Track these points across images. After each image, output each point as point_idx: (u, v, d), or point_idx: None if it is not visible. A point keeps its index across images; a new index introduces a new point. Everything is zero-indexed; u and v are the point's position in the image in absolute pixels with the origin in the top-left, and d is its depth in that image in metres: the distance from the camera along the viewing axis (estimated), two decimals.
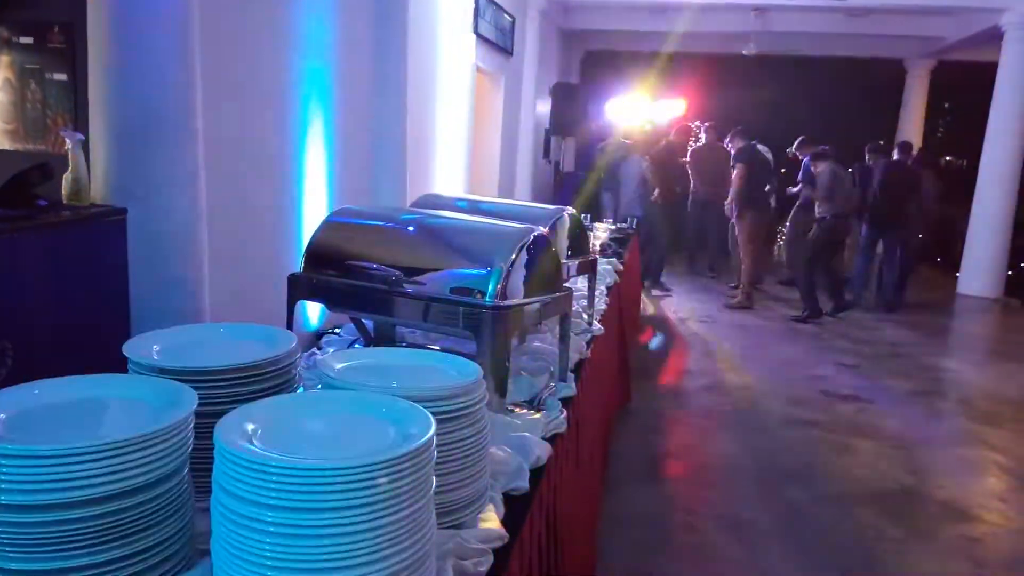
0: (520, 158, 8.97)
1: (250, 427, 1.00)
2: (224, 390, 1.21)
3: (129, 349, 1.27)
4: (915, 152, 8.53)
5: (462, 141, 6.38)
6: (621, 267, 4.28)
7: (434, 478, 1.02)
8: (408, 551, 0.94)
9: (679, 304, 7.51)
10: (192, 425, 1.05)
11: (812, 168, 7.22)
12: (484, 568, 1.13)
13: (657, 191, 7.75)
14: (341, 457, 0.92)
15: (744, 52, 10.72)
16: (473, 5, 6.40)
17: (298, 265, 1.93)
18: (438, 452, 1.11)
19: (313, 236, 1.98)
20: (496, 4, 7.20)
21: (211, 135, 2.65)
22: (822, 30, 10.65)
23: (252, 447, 0.94)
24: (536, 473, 1.51)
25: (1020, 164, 8.76)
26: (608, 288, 3.55)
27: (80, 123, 2.67)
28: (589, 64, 13.35)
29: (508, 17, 7.72)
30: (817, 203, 6.98)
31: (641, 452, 3.89)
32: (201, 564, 1.03)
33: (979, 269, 8.92)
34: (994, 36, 8.92)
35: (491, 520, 1.27)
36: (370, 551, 0.91)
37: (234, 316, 1.80)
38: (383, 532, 0.91)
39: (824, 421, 4.47)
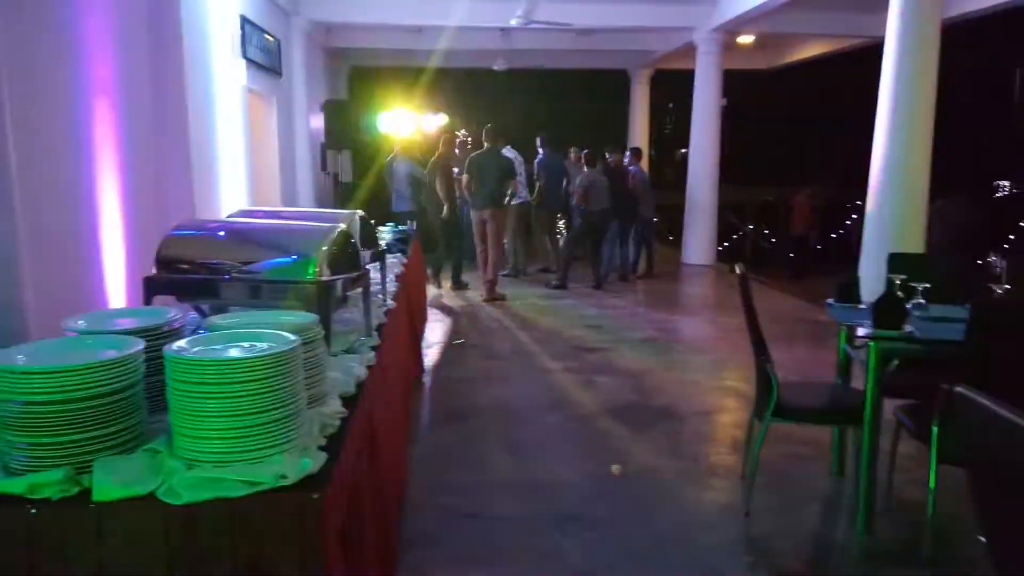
0: (299, 171, 9.45)
1: (184, 344, 1.67)
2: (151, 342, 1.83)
3: (67, 324, 1.85)
4: (622, 154, 10.17)
5: (241, 159, 6.81)
6: (406, 260, 5.07)
7: (302, 370, 1.75)
8: (292, 404, 1.67)
9: (466, 294, 8.48)
10: (142, 358, 1.68)
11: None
12: (337, 423, 1.88)
13: (446, 206, 8.44)
14: (252, 355, 1.63)
15: (495, 67, 12.00)
16: (239, 32, 6.85)
17: (147, 271, 2.49)
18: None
19: (160, 245, 2.55)
20: (260, 29, 7.66)
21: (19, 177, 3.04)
22: (558, 47, 12.22)
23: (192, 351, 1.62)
24: (359, 386, 2.26)
25: (718, 153, 10.83)
26: (396, 276, 4.33)
27: None
28: (357, 80, 14.00)
29: (272, 39, 8.19)
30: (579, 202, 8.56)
31: (435, 408, 4.73)
32: (160, 436, 1.67)
33: (696, 243, 10.91)
34: (691, 49, 10.94)
35: (336, 405, 2.01)
36: (273, 404, 1.62)
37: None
38: (279, 392, 1.63)
39: (575, 367, 5.62)
